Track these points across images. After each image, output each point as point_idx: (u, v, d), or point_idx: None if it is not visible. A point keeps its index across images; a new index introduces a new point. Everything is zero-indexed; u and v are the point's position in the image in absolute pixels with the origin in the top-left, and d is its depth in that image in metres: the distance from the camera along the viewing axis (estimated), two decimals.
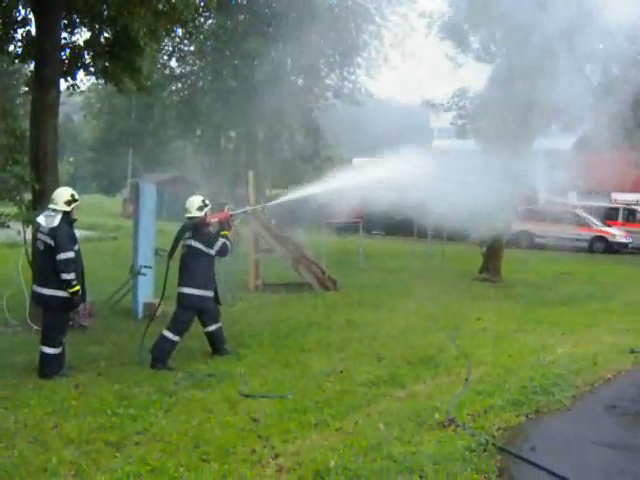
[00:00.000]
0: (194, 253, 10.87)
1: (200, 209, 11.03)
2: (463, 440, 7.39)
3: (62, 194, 10.22)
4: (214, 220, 11.25)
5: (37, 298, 10.23)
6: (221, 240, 11.01)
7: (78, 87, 16.91)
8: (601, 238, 35.01)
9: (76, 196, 10.29)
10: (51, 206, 10.13)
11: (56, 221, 9.93)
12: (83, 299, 10.34)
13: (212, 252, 10.93)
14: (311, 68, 31.98)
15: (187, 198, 11.32)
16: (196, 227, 10.95)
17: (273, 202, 15.12)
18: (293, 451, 7.14)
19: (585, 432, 8.00)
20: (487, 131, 21.76)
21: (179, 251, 11.07)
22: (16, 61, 16.46)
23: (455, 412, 8.29)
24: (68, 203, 10.12)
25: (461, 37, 26.06)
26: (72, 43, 15.82)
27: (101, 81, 17.50)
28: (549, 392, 9.24)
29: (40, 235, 10.11)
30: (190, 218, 11.03)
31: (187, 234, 10.98)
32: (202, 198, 11.25)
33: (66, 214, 10.08)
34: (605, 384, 10.03)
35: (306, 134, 32.91)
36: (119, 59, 15.59)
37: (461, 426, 7.81)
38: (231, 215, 11.67)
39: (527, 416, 8.38)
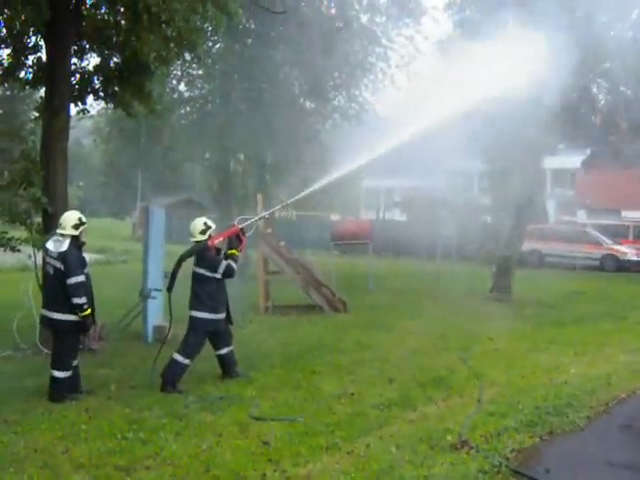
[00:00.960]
0: (200, 279, 10.84)
1: (203, 232, 10.96)
2: (476, 462, 7.33)
3: (69, 218, 10.23)
4: (220, 240, 11.19)
5: (47, 322, 10.23)
6: (225, 262, 10.88)
7: (88, 112, 16.97)
8: (612, 256, 34.87)
9: (83, 219, 10.28)
10: (59, 231, 10.14)
11: (65, 246, 9.94)
12: (93, 322, 10.34)
13: (218, 276, 10.85)
14: (318, 90, 32.06)
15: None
16: (199, 252, 10.91)
17: (304, 193, 14.44)
18: (304, 475, 7.09)
19: (599, 453, 7.93)
20: (494, 151, 21.79)
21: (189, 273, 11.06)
22: (27, 87, 16.53)
23: (468, 434, 8.23)
24: (76, 227, 10.12)
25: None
26: (82, 68, 15.90)
27: (110, 105, 17.53)
28: (563, 413, 9.19)
29: (49, 259, 10.12)
30: (196, 242, 11.00)
31: (194, 259, 10.95)
32: (204, 220, 11.17)
33: (74, 238, 10.08)
34: (619, 404, 9.97)
35: (314, 156, 32.97)
36: (129, 84, 15.66)
37: (474, 448, 7.75)
38: (241, 228, 11.47)
39: (541, 437, 8.32)
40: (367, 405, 9.65)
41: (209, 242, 10.95)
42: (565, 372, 11.61)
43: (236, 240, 11.18)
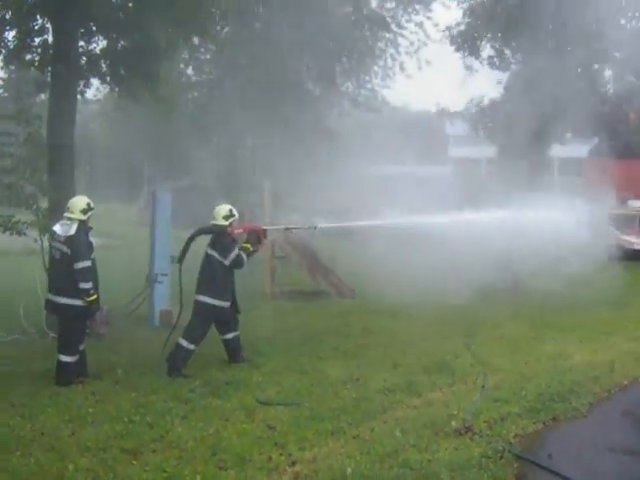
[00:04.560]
0: (210, 261, 10.91)
1: (226, 218, 11.03)
2: (480, 447, 7.38)
3: (78, 203, 10.25)
4: (239, 231, 11.27)
5: (52, 307, 10.25)
6: (236, 252, 10.95)
7: (84, 91, 16.79)
8: (618, 245, 34.66)
9: (92, 205, 10.31)
10: (67, 215, 10.15)
11: (72, 230, 9.96)
12: (97, 307, 10.38)
13: (226, 262, 10.90)
14: (327, 76, 31.97)
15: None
16: (217, 235, 10.98)
17: (328, 224, 14.72)
18: (310, 458, 7.14)
19: (602, 438, 7.97)
20: (503, 138, 21.81)
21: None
22: (32, 69, 16.48)
23: (472, 419, 8.27)
24: (84, 212, 10.14)
25: (473, 48, 26.06)
26: (89, 51, 15.87)
27: (117, 89, 17.45)
28: (566, 399, 9.21)
29: (56, 244, 10.13)
30: (215, 225, 11.05)
31: (209, 241, 11.03)
32: (230, 208, 11.23)
33: (82, 223, 10.10)
34: (622, 391, 10.00)
35: (322, 143, 32.89)
36: (136, 68, 15.62)
37: (478, 433, 7.80)
38: (264, 229, 11.64)
39: (544, 423, 8.35)
40: (372, 390, 9.70)
41: (229, 229, 11.04)
42: (569, 359, 11.64)
43: (255, 238, 11.31)
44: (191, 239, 11.04)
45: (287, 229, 13.13)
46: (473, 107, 34.56)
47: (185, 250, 11.02)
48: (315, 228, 14.55)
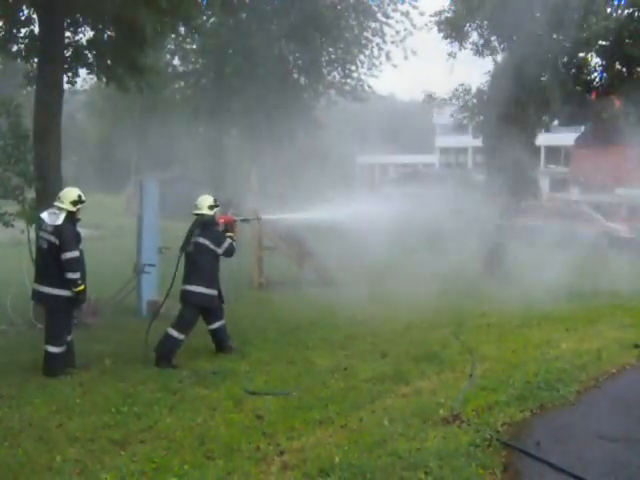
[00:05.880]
0: (202, 250, 10.96)
1: (211, 208, 11.15)
2: (468, 436, 7.38)
3: (69, 194, 10.24)
4: (221, 221, 11.40)
5: (39, 297, 10.24)
6: (228, 240, 11.17)
7: (75, 82, 16.69)
8: (604, 233, 34.79)
9: (83, 197, 10.29)
10: (57, 204, 10.13)
11: (60, 219, 9.94)
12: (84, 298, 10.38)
13: (219, 251, 11.03)
14: (313, 65, 31.96)
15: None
16: (206, 225, 11.04)
17: (270, 216, 15.39)
18: (298, 448, 7.14)
19: (589, 426, 7.99)
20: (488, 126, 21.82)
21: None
22: (19, 60, 16.38)
23: (460, 408, 8.28)
24: (74, 203, 10.13)
25: (460, 35, 25.94)
26: (75, 42, 15.78)
27: (104, 80, 17.33)
28: (553, 387, 9.23)
29: (43, 233, 10.11)
30: (199, 215, 11.09)
31: (196, 231, 11.05)
32: (214, 198, 11.40)
33: (70, 213, 10.08)
34: (609, 379, 10.01)
35: (308, 132, 32.91)
36: (122, 58, 15.56)
37: (466, 422, 7.81)
38: (235, 220, 11.85)
39: (532, 411, 8.36)
40: (360, 379, 9.71)
41: (217, 219, 11.22)
42: (556, 347, 11.66)
43: (232, 228, 11.60)
44: (191, 233, 11.15)
45: (243, 220, 13.45)
46: (459, 95, 34.58)
47: (187, 241, 11.12)
48: (259, 219, 15.81)
